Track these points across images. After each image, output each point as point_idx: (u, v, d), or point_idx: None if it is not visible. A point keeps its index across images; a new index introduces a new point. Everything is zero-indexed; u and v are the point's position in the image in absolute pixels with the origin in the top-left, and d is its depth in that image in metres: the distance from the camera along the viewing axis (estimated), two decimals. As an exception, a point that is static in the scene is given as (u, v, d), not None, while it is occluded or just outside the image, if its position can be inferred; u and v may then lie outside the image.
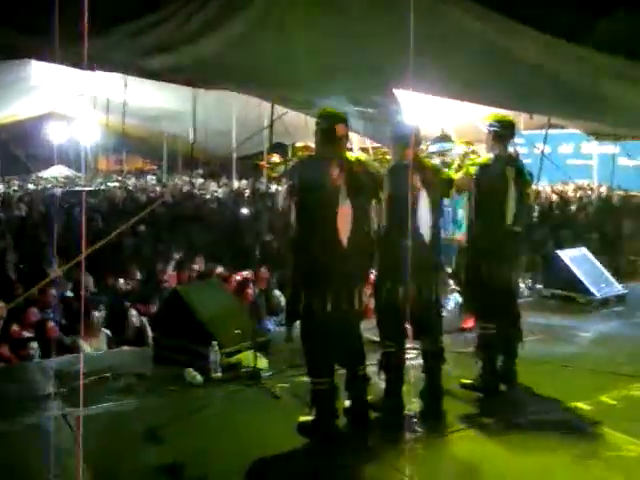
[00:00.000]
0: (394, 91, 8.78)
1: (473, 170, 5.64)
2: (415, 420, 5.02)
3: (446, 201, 5.89)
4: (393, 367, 5.20)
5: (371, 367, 5.22)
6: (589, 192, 18.49)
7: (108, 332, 8.10)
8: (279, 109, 9.94)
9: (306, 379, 4.98)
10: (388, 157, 5.65)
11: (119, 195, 23.01)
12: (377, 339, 5.40)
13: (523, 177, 5.79)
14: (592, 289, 8.63)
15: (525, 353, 5.96)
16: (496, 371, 5.75)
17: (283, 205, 4.80)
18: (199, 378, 5.86)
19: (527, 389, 5.78)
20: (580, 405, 5.44)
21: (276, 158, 6.29)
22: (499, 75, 9.08)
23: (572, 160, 22.25)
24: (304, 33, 7.05)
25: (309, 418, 4.87)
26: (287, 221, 4.83)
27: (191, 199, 21.70)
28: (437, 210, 5.27)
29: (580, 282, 8.69)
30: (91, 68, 7.27)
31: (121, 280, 10.11)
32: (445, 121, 10.71)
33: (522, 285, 9.52)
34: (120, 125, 20.20)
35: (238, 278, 9.50)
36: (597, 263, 9.25)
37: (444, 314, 6.59)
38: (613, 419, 5.17)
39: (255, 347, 6.14)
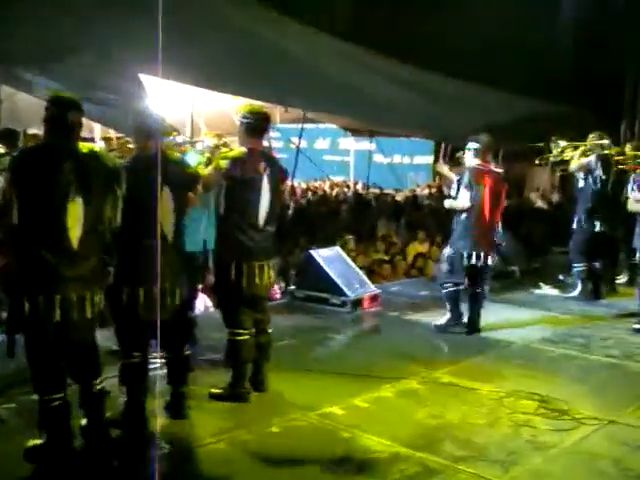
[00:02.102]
0: (140, 76, 8.31)
1: (224, 164, 5.37)
2: (160, 435, 4.71)
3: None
4: (135, 378, 4.88)
5: (111, 380, 4.84)
6: (345, 189, 18.89)
7: None
8: (7, 89, 9.11)
9: (34, 397, 4.44)
10: (132, 147, 5.25)
11: None
12: (117, 348, 5.04)
13: (277, 173, 5.65)
14: (345, 290, 8.61)
15: (277, 358, 5.88)
16: (246, 378, 5.56)
17: (3, 200, 4.26)
18: None
19: (280, 395, 5.66)
20: (334, 410, 5.37)
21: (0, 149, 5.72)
22: (256, 67, 8.99)
23: (329, 156, 22.71)
24: (34, 7, 6.48)
25: (39, 441, 4.37)
26: (8, 218, 4.27)
27: None
28: (182, 207, 4.96)
29: (333, 283, 8.65)
30: None
31: None
32: (195, 111, 10.45)
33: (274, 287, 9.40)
34: None
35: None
36: (351, 263, 9.31)
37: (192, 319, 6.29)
38: (365, 422, 5.17)
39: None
